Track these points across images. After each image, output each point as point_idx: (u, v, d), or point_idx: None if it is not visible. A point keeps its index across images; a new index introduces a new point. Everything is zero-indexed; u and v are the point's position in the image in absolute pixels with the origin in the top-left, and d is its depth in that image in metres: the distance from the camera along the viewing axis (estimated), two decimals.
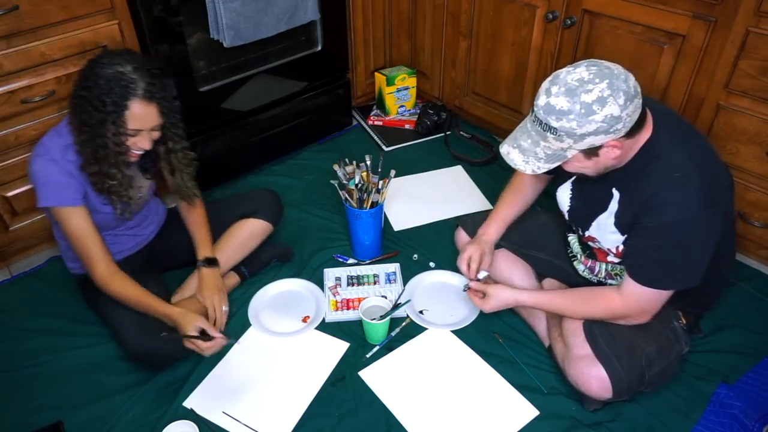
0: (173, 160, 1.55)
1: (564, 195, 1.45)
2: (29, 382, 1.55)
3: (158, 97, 1.36)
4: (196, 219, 1.71)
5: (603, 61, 1.15)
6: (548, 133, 1.14)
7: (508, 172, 1.66)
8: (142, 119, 1.36)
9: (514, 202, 1.61)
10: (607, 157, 1.18)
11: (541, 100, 1.14)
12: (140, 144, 1.40)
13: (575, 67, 1.14)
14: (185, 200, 1.66)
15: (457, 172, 2.33)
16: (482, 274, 1.57)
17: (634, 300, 1.31)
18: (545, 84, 1.15)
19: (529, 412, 1.45)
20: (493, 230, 1.60)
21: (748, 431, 1.41)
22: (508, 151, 1.24)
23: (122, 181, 1.44)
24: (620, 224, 1.30)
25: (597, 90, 1.09)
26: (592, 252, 1.48)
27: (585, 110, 1.09)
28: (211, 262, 1.67)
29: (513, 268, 1.64)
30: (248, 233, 1.79)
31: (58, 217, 1.43)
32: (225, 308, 1.64)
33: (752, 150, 1.66)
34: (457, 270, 1.65)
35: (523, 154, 1.21)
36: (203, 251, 1.68)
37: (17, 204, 1.79)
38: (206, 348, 1.40)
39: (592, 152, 1.17)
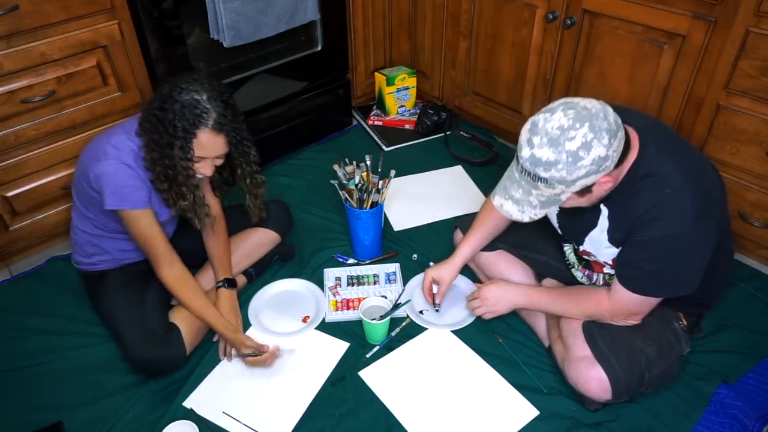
0: (243, 183, 1.58)
1: (551, 213, 1.45)
2: (29, 382, 1.55)
3: (227, 128, 1.38)
4: (218, 236, 1.68)
5: (577, 99, 1.12)
6: (539, 183, 1.13)
7: None
8: (208, 148, 1.38)
9: (485, 228, 1.61)
10: (601, 190, 1.18)
11: (524, 152, 1.12)
12: (202, 170, 1.43)
13: (551, 112, 1.11)
14: (252, 217, 1.65)
15: (457, 172, 2.33)
16: (436, 306, 1.68)
17: (622, 304, 1.32)
18: (525, 134, 1.13)
19: (529, 412, 1.45)
20: (466, 250, 1.62)
21: (748, 431, 1.41)
22: (502, 203, 1.22)
23: (193, 201, 1.47)
24: (614, 240, 1.30)
25: (580, 136, 1.07)
26: (588, 263, 1.49)
27: (572, 158, 1.08)
28: (231, 283, 1.66)
29: (512, 269, 1.64)
30: (257, 242, 1.79)
31: (126, 219, 1.45)
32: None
33: (752, 150, 1.66)
34: None
35: (518, 204, 1.20)
36: (223, 271, 1.66)
37: (17, 204, 1.79)
38: (265, 360, 1.54)
39: (585, 191, 1.16)
